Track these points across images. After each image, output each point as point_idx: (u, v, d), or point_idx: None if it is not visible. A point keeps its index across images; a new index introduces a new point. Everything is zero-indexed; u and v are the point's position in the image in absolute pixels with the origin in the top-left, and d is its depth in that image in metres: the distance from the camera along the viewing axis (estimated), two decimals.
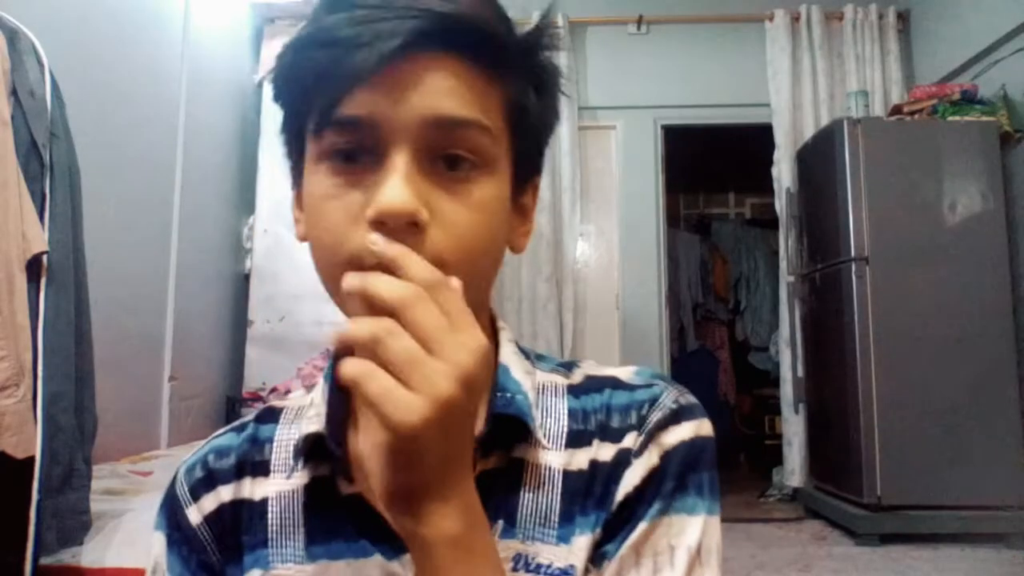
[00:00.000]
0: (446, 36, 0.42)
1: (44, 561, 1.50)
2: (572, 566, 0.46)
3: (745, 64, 3.99)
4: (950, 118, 3.25)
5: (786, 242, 3.84)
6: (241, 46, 3.62)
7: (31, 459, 1.45)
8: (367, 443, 0.38)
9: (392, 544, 0.46)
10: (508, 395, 0.49)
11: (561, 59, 0.51)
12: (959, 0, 3.56)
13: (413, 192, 0.42)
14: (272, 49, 3.55)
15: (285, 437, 0.52)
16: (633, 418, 0.49)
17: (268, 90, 3.54)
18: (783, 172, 3.86)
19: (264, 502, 0.50)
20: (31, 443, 1.45)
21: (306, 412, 0.52)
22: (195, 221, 3.06)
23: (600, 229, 4.07)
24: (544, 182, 3.81)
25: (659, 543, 0.46)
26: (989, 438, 2.97)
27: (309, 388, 0.55)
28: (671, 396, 0.51)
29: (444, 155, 0.44)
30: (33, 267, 1.51)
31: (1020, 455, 2.96)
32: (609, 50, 4.09)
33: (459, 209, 0.44)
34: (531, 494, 0.48)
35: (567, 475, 0.48)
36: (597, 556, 0.47)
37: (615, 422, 0.50)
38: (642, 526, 0.46)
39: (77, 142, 1.73)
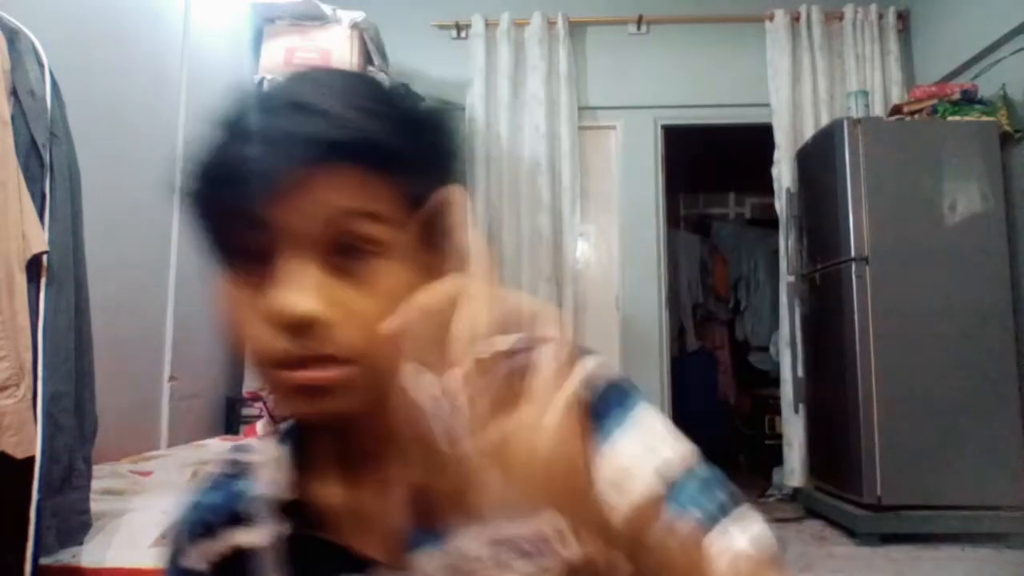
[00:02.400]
0: (339, 154, 0.45)
1: (44, 561, 1.50)
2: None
3: (745, 64, 3.99)
4: (950, 118, 3.25)
5: (786, 242, 3.84)
6: (241, 46, 3.62)
7: (31, 459, 1.46)
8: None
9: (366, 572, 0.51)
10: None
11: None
12: (959, 0, 3.56)
13: (312, 292, 0.45)
14: (272, 49, 3.55)
15: (260, 492, 0.56)
16: None
17: None
18: (783, 172, 3.86)
19: (250, 553, 0.54)
20: (31, 443, 1.45)
21: (265, 472, 0.55)
22: None
23: (600, 229, 4.07)
24: (544, 182, 3.80)
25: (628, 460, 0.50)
26: (989, 438, 2.97)
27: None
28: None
29: (343, 249, 0.46)
30: (33, 267, 1.51)
31: (1020, 455, 2.96)
32: (609, 50, 4.09)
33: (363, 301, 0.46)
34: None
35: None
36: None
37: None
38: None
39: (77, 142, 1.73)
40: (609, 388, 0.52)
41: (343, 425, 0.51)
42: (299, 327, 0.44)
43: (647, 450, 0.51)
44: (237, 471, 0.59)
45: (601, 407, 0.52)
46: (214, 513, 0.56)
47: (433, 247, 0.50)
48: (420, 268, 0.49)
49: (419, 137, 0.50)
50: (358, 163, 0.46)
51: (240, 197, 0.45)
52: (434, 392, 0.51)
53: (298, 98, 0.47)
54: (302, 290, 0.44)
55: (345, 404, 0.47)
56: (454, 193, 0.51)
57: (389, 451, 0.53)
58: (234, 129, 0.47)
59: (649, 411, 0.53)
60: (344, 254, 0.46)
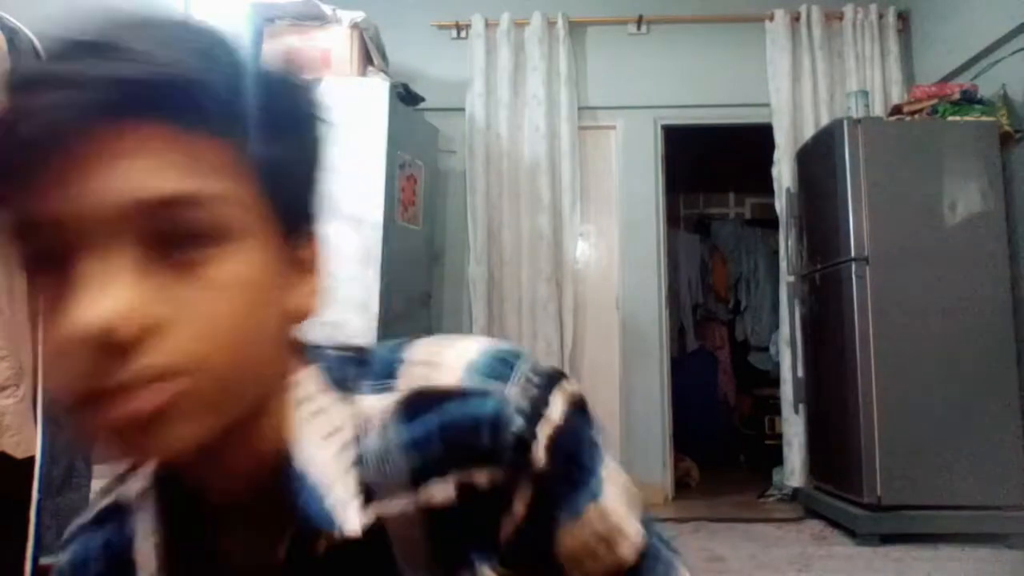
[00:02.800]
0: (142, 106, 0.34)
1: (44, 561, 1.50)
2: None
3: (745, 64, 3.99)
4: (950, 118, 3.25)
5: (786, 242, 3.84)
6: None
7: (31, 459, 1.46)
8: None
9: None
10: (305, 491, 0.42)
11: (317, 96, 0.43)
12: (959, 0, 3.56)
13: (120, 295, 0.34)
14: (272, 49, 3.55)
15: (138, 536, 0.48)
16: (476, 443, 0.43)
17: None
18: (783, 172, 3.86)
19: None
20: (31, 443, 1.45)
21: (143, 511, 0.46)
22: None
23: (600, 229, 4.07)
24: (544, 182, 3.79)
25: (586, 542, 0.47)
26: (989, 438, 2.97)
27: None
28: (513, 405, 0.44)
29: (169, 237, 0.36)
30: None
31: (1020, 455, 2.96)
32: (609, 50, 4.09)
33: (199, 296, 0.36)
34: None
35: (422, 516, 0.44)
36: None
37: (447, 451, 0.43)
38: (563, 534, 0.46)
39: None
40: (581, 440, 0.47)
41: (196, 464, 0.40)
42: (105, 343, 0.33)
43: (623, 508, 0.49)
44: (115, 509, 0.51)
45: (575, 463, 0.46)
46: (97, 560, 0.50)
47: (293, 231, 0.42)
48: (278, 256, 0.41)
49: (264, 92, 0.39)
50: (180, 121, 0.35)
51: (16, 176, 0.35)
52: (338, 420, 0.44)
53: (95, 38, 0.35)
54: (106, 294, 0.34)
55: (187, 434, 0.36)
56: (315, 171, 0.44)
57: (259, 489, 0.43)
58: (18, 89, 0.35)
59: (615, 465, 0.50)
60: (171, 242, 0.36)
